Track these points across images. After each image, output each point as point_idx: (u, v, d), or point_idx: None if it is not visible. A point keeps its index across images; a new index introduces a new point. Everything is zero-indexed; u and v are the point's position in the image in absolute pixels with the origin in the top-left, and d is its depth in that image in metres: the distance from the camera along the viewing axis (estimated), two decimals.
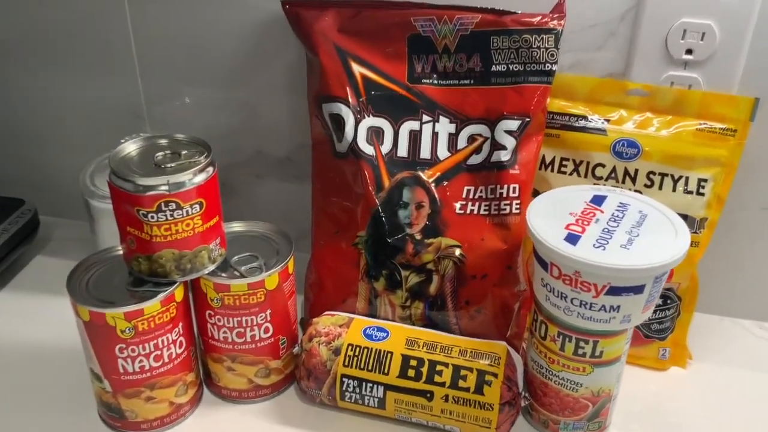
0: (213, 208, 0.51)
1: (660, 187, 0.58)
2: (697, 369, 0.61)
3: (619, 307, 0.47)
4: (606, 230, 0.48)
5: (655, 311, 0.59)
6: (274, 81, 0.67)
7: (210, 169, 0.50)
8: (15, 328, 0.64)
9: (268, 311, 0.53)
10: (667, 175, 0.57)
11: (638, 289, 0.46)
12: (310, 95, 0.60)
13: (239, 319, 0.53)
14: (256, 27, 0.65)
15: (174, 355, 0.52)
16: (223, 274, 0.53)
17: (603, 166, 0.58)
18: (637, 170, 0.58)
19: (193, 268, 0.51)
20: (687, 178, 0.57)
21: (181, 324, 0.52)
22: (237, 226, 0.57)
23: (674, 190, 0.57)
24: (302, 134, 0.66)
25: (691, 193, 0.57)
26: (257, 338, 0.54)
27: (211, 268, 0.52)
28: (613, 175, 0.58)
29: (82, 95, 0.72)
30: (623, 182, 0.58)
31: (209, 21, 0.65)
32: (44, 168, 0.76)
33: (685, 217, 0.57)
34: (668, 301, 0.59)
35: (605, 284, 0.46)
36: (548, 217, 0.49)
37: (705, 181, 0.57)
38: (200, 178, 0.49)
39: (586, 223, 0.49)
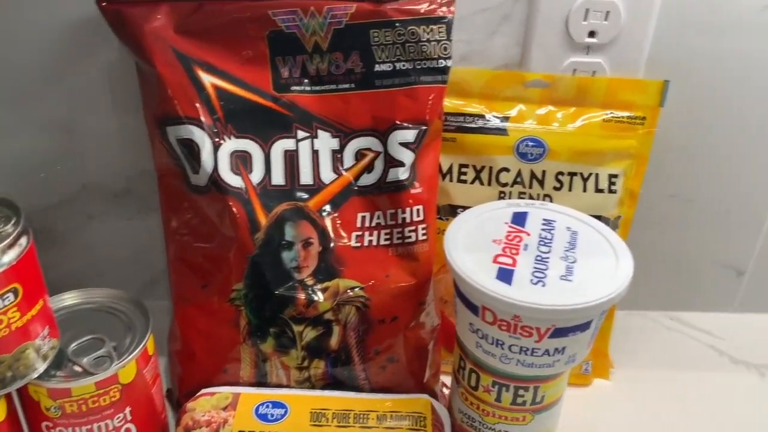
0: (34, 291, 0.37)
1: (570, 188, 0.52)
2: (619, 377, 0.57)
3: (564, 348, 0.40)
4: (539, 258, 0.41)
5: None
6: (93, 96, 0.53)
7: (23, 240, 0.36)
8: None
9: (128, 410, 0.41)
10: (576, 174, 0.51)
11: (585, 326, 0.40)
12: (148, 115, 0.47)
13: (89, 427, 0.40)
14: (76, 29, 0.50)
15: None
16: (60, 373, 0.39)
17: (507, 170, 0.51)
18: (544, 172, 0.51)
19: (17, 375, 0.37)
20: (597, 176, 0.52)
21: None
22: (69, 299, 0.44)
23: (585, 190, 0.52)
24: (143, 158, 0.53)
25: (602, 191, 0.52)
26: None
27: (43, 368, 0.39)
28: (518, 179, 0.51)
29: None
30: (530, 186, 0.51)
31: (11, 26, 0.49)
32: None
33: (598, 218, 0.51)
34: None
35: (549, 327, 0.39)
36: (471, 250, 0.41)
37: (615, 176, 0.52)
38: (10, 257, 0.35)
39: (514, 252, 0.41)
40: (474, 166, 0.52)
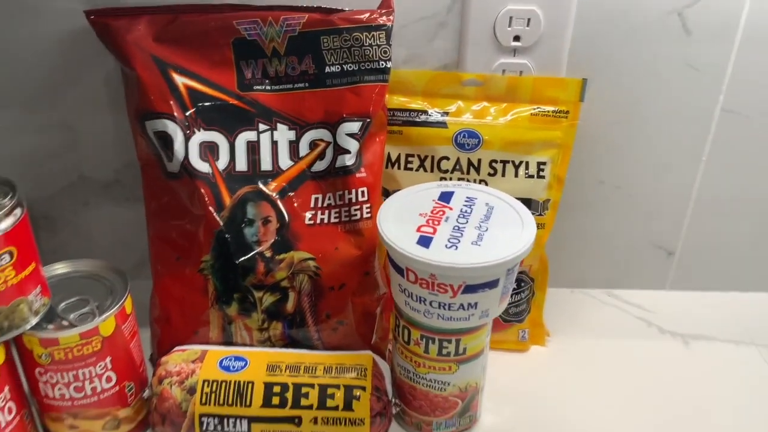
0: (27, 255, 0.44)
1: (503, 174, 0.58)
2: (556, 344, 0.63)
3: (476, 303, 0.47)
4: (456, 228, 0.48)
5: (510, 296, 0.60)
6: (89, 97, 0.60)
7: (18, 211, 0.44)
8: None
9: (108, 359, 0.48)
10: (508, 162, 0.58)
11: (493, 284, 0.46)
12: (130, 112, 0.55)
13: (75, 372, 0.47)
14: (63, 39, 0.58)
15: (3, 424, 0.46)
16: (50, 326, 0.47)
17: (447, 158, 0.58)
18: (479, 160, 0.58)
19: (12, 325, 0.45)
20: (527, 163, 0.58)
21: (7, 388, 0.46)
22: (61, 268, 0.51)
23: (516, 175, 0.58)
24: (129, 152, 0.61)
25: (532, 177, 0.58)
26: (99, 390, 0.49)
27: (35, 321, 0.46)
28: (457, 167, 0.58)
29: None
30: (468, 173, 0.58)
31: (11, 36, 0.57)
32: None
33: (529, 201, 0.58)
34: (522, 284, 0.60)
35: (461, 284, 0.45)
36: (399, 221, 0.48)
37: (544, 164, 0.58)
38: (6, 224, 0.43)
39: (436, 223, 0.48)
40: (418, 156, 0.58)
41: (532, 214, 0.55)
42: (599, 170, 0.64)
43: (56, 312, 0.48)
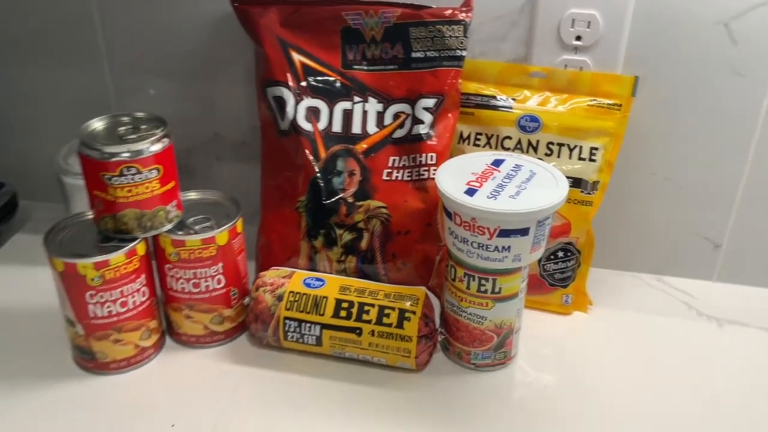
0: (169, 174, 0.59)
1: (558, 156, 0.67)
2: (598, 313, 0.71)
3: (509, 247, 0.56)
4: (499, 185, 0.58)
5: (557, 262, 0.68)
6: (230, 72, 0.76)
7: (166, 140, 0.59)
8: None
9: (220, 264, 0.62)
10: (563, 144, 0.67)
11: (524, 231, 0.56)
12: (257, 82, 0.69)
13: (194, 271, 0.61)
14: (214, 23, 0.73)
15: (138, 303, 0.61)
16: (180, 233, 0.61)
17: (510, 138, 0.68)
18: (538, 141, 0.67)
19: (153, 226, 0.59)
20: (581, 147, 0.67)
21: (143, 275, 0.61)
22: (193, 195, 0.66)
23: (570, 157, 0.67)
24: (255, 119, 0.75)
25: (584, 159, 0.67)
26: (211, 288, 0.63)
27: (169, 226, 0.61)
28: (518, 146, 0.68)
29: (57, 89, 0.80)
30: (527, 152, 0.68)
31: (171, 19, 0.74)
32: (23, 155, 0.84)
33: (579, 180, 0.66)
34: (569, 254, 0.69)
35: (496, 227, 0.55)
36: (453, 176, 0.59)
37: (596, 149, 0.67)
38: (157, 147, 0.57)
39: (484, 180, 0.58)
40: (486, 134, 0.69)
41: (581, 192, 0.65)
42: (652, 162, 0.71)
43: (186, 223, 0.62)
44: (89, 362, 0.62)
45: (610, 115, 0.66)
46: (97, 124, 0.59)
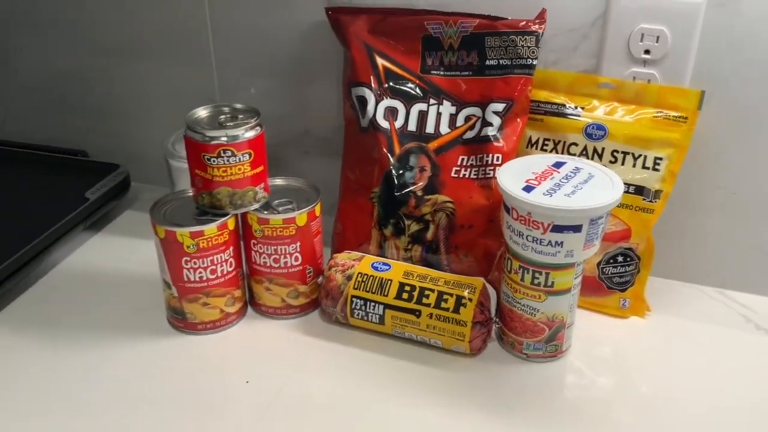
0: (259, 159, 0.67)
1: (622, 163, 0.70)
2: (655, 320, 0.73)
3: (562, 242, 0.60)
4: (557, 185, 0.62)
5: (616, 266, 0.71)
6: (320, 74, 0.83)
7: (258, 129, 0.66)
8: (106, 262, 0.82)
9: (298, 243, 0.69)
10: (628, 153, 0.70)
11: (577, 228, 0.59)
12: (343, 83, 0.76)
13: (275, 247, 0.69)
14: (309, 30, 0.81)
15: (225, 272, 0.68)
16: (265, 212, 0.69)
17: (576, 144, 0.71)
18: (603, 149, 0.70)
19: (242, 204, 0.67)
20: (645, 157, 0.69)
21: (231, 248, 0.68)
22: (279, 181, 0.73)
23: (634, 165, 0.70)
24: (340, 118, 0.82)
25: (648, 168, 0.69)
26: (289, 265, 0.70)
27: (256, 206, 0.68)
28: (584, 152, 0.71)
29: (169, 84, 0.90)
30: (592, 159, 0.71)
31: (272, 26, 0.82)
32: (136, 141, 0.95)
33: (642, 188, 0.69)
34: (628, 259, 0.71)
35: (550, 222, 0.59)
36: (513, 174, 0.63)
37: (660, 159, 0.69)
38: (250, 134, 0.65)
39: (543, 179, 0.62)
40: (553, 140, 0.73)
41: (644, 200, 0.68)
42: (718, 176, 0.72)
43: (271, 205, 0.70)
44: (180, 322, 0.70)
45: (676, 127, 0.69)
46: (202, 112, 0.67)
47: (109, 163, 0.91)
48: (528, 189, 0.61)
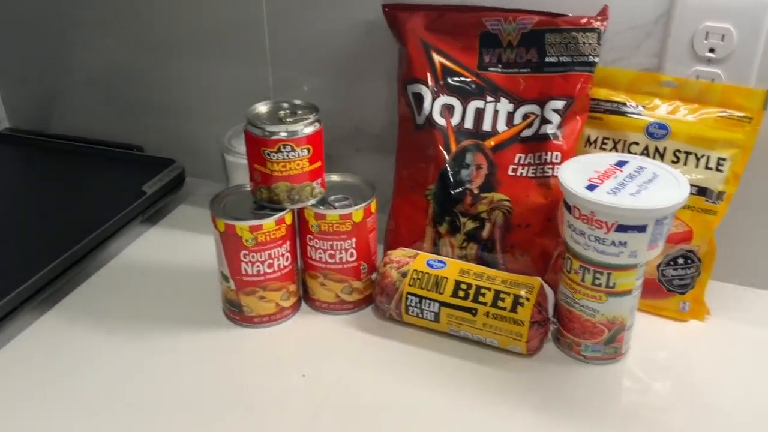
0: (317, 155, 0.67)
1: (685, 163, 0.69)
2: (715, 324, 0.71)
3: (626, 242, 0.59)
4: (621, 184, 0.61)
5: (676, 269, 0.70)
6: (373, 70, 0.83)
7: (317, 125, 0.66)
8: (162, 255, 0.83)
9: (354, 239, 0.69)
10: (691, 153, 0.68)
11: (642, 228, 0.58)
12: (399, 79, 0.76)
13: (331, 243, 0.69)
14: (364, 26, 0.81)
15: (282, 266, 0.69)
16: (321, 207, 0.69)
17: (637, 144, 0.70)
18: (665, 148, 0.69)
19: (300, 199, 0.67)
20: (708, 157, 0.68)
21: (288, 242, 0.69)
22: (335, 177, 0.74)
23: (697, 166, 0.68)
24: (392, 115, 0.82)
25: (711, 169, 0.68)
26: (344, 260, 0.70)
27: (313, 201, 0.68)
28: (645, 152, 0.70)
29: (225, 80, 0.91)
30: (653, 158, 0.70)
31: (326, 24, 0.82)
32: (192, 137, 0.96)
33: (704, 189, 0.68)
34: (689, 261, 0.70)
35: (614, 222, 0.58)
36: (576, 172, 0.62)
37: (724, 160, 0.68)
38: (309, 130, 0.65)
39: (606, 178, 0.61)
40: (613, 139, 0.71)
41: (706, 201, 0.66)
42: None
43: (327, 200, 0.70)
44: (236, 314, 0.70)
45: (740, 127, 0.67)
46: (261, 108, 0.68)
47: (165, 158, 0.92)
48: (591, 187, 0.60)
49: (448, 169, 0.71)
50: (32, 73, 1.02)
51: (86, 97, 1.01)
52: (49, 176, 0.93)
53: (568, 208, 0.61)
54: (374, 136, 0.87)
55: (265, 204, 0.68)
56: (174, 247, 0.84)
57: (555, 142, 0.69)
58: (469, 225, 0.71)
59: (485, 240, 0.71)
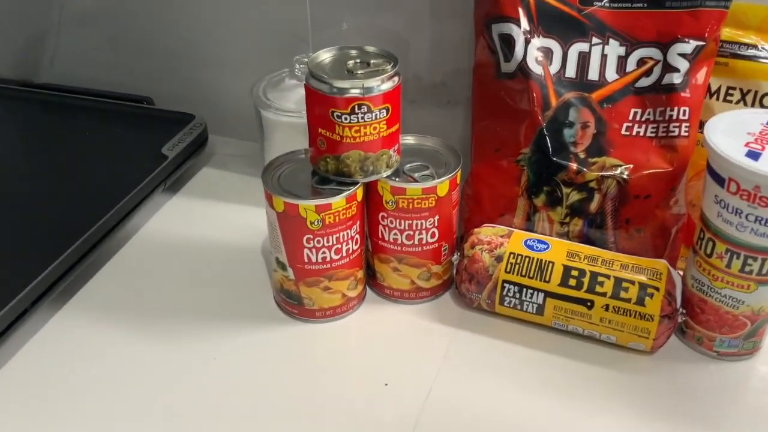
0: (396, 116, 0.54)
1: None
2: None
3: None
4: None
5: None
6: (430, 8, 0.69)
7: (396, 79, 0.53)
8: (189, 229, 0.70)
9: (437, 217, 0.57)
10: None
11: None
12: (478, 17, 0.62)
13: (410, 222, 0.57)
14: None
15: (351, 251, 0.57)
16: (397, 179, 0.56)
17: None
18: None
19: (374, 170, 0.55)
20: None
21: (358, 223, 0.56)
22: (409, 139, 0.61)
23: None
24: (460, 60, 0.69)
25: None
26: (424, 242, 0.58)
27: (388, 172, 0.56)
28: None
29: (253, 20, 0.76)
30: None
31: None
32: (215, 89, 0.82)
33: None
34: None
35: None
36: (726, 135, 0.50)
37: None
38: (388, 86, 0.52)
39: (766, 142, 0.50)
40: (741, 89, 0.59)
41: None
42: None
43: (401, 170, 0.57)
44: (294, 308, 0.59)
45: None
46: (324, 56, 0.54)
47: (183, 113, 0.78)
48: (753, 155, 0.48)
49: (547, 129, 0.58)
50: (13, 9, 0.86)
51: (79, 38, 0.85)
52: (42, 138, 0.78)
53: (720, 180, 0.50)
54: (434, 86, 0.74)
55: (332, 177, 0.55)
56: (203, 220, 0.72)
57: (683, 94, 0.57)
58: (574, 197, 0.59)
59: (593, 214, 0.59)
